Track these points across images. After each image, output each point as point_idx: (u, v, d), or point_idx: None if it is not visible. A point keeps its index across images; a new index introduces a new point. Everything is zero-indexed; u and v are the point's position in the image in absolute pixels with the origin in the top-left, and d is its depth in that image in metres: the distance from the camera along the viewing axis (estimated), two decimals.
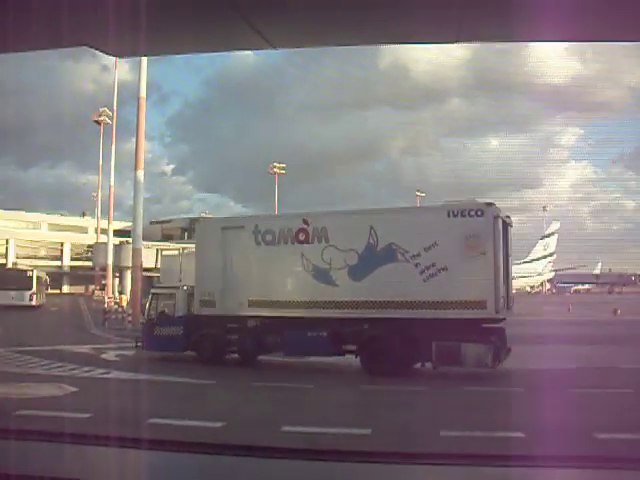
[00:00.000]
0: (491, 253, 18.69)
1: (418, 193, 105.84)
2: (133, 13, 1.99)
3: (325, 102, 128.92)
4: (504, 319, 19.53)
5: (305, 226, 20.68)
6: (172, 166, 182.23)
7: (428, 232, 19.40)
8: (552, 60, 71.61)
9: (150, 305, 23.62)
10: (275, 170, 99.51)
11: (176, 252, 33.47)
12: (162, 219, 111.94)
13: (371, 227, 19.91)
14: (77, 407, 13.13)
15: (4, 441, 2.46)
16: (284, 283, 21.21)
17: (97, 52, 2.36)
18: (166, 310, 22.95)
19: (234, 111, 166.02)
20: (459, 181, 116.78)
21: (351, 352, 19.78)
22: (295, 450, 2.33)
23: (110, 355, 22.46)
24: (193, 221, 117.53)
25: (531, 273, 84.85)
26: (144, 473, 2.12)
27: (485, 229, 18.81)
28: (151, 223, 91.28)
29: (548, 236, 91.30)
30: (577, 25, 1.94)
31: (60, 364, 20.77)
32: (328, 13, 1.77)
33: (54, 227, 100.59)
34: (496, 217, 18.96)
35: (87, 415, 11.74)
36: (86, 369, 19.91)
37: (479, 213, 18.93)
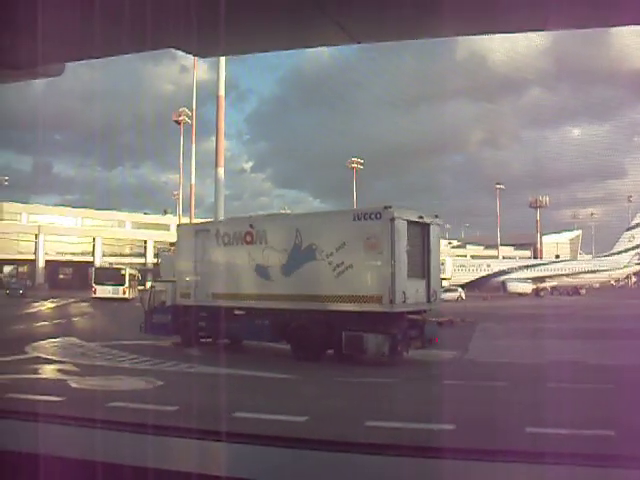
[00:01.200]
0: (388, 251, 20.57)
1: (498, 185, 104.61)
2: (215, 13, 2.03)
3: (402, 95, 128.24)
4: (412, 312, 21.29)
5: (251, 229, 24.08)
6: (251, 163, 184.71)
7: (338, 234, 21.94)
8: (637, 44, 69.14)
9: (150, 296, 27.56)
10: (353, 165, 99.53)
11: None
12: (242, 216, 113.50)
13: (297, 230, 22.84)
14: (164, 400, 13.48)
15: (97, 431, 2.54)
16: (237, 278, 24.23)
17: (177, 54, 2.41)
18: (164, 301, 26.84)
19: (311, 107, 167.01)
20: (540, 172, 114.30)
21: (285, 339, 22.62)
22: (377, 445, 2.32)
23: (193, 350, 22.88)
24: (272, 217, 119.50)
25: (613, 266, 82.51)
26: (228, 465, 2.15)
27: (382, 230, 20.77)
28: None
29: (634, 227, 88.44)
30: None
31: (146, 358, 21.35)
32: (413, 5, 1.77)
33: (137, 225, 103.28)
34: (393, 219, 20.70)
35: (174, 408, 12.02)
36: (171, 363, 20.39)
37: (377, 216, 21.13)
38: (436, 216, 23.06)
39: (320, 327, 21.53)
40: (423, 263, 22.04)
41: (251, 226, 24.23)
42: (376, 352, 20.53)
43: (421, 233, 22.05)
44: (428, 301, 21.98)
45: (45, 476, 2.02)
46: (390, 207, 21.30)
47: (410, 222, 21.49)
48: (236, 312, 24.19)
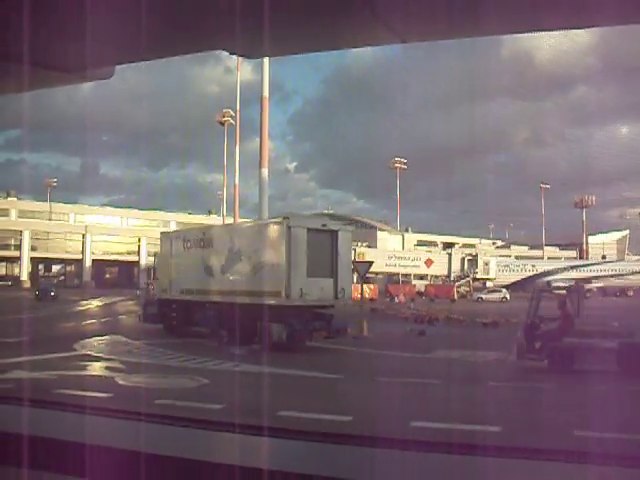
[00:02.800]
0: (286, 254, 24.50)
1: (543, 185, 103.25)
2: (260, 13, 2.05)
3: (446, 95, 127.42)
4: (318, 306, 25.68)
5: (204, 236, 29.85)
6: (295, 163, 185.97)
7: (255, 240, 26.84)
8: None
9: (146, 292, 34.33)
10: (396, 165, 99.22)
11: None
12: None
13: (231, 236, 28.46)
14: (209, 398, 13.61)
15: (141, 424, 2.59)
16: (195, 277, 29.03)
17: (222, 55, 2.45)
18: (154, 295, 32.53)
19: (354, 107, 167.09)
20: (586, 171, 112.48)
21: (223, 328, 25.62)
22: (418, 442, 2.32)
23: (239, 349, 23.07)
24: (316, 217, 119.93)
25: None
26: (270, 459, 2.18)
27: (282, 236, 24.89)
28: None
29: None
30: None
31: (192, 356, 21.57)
32: (462, 3, 1.76)
33: (182, 225, 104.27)
34: (290, 227, 24.72)
35: (219, 406, 12.14)
36: (216, 362, 20.58)
37: (279, 225, 25.47)
38: (349, 223, 29.60)
39: (244, 318, 24.11)
40: (331, 264, 25.70)
41: (204, 233, 30.33)
42: (278, 339, 23.79)
43: (329, 239, 25.92)
44: (335, 297, 25.72)
45: (91, 464, 2.08)
46: (288, 218, 26.01)
47: (311, 229, 25.59)
48: (195, 305, 28.91)
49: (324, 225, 26.62)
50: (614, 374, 17.17)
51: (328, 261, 25.63)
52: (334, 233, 26.11)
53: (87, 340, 25.74)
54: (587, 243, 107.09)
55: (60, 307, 46.30)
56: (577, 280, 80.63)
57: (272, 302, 24.57)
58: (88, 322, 36.57)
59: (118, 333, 29.18)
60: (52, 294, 58.07)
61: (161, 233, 36.01)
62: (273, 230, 25.96)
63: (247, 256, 26.46)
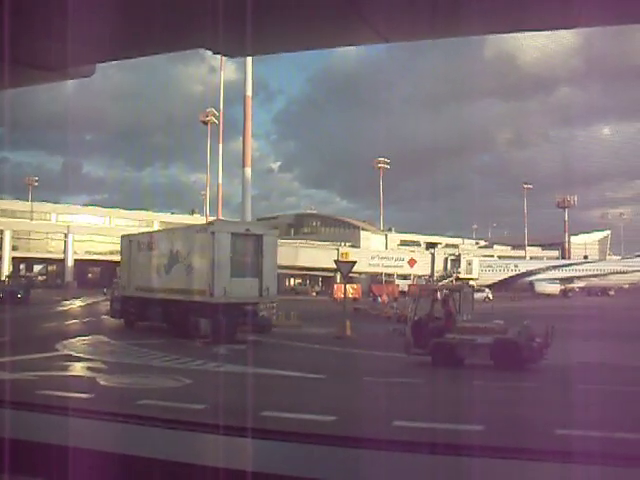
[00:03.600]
0: (209, 257, 27.35)
1: (525, 185, 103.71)
2: (243, 12, 2.04)
3: (430, 95, 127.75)
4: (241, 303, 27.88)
5: (151, 239, 33.31)
6: (279, 163, 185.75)
7: (188, 243, 29.82)
8: None
9: (113, 289, 37.12)
10: (380, 165, 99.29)
11: None
12: (269, 215, 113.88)
13: (171, 240, 31.59)
14: (191, 398, 13.56)
15: (127, 425, 2.58)
16: (145, 276, 32.16)
17: (206, 54, 2.44)
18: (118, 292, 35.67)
19: (339, 107, 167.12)
20: (568, 172, 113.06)
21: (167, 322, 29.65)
22: (404, 443, 2.32)
23: (221, 349, 23.03)
24: (299, 217, 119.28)
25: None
26: (252, 460, 2.17)
27: (207, 241, 27.62)
28: (258, 220, 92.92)
29: None
30: None
31: (175, 356, 21.50)
32: (444, 3, 1.76)
33: (165, 225, 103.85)
34: (213, 232, 27.60)
35: (201, 406, 12.09)
36: (199, 362, 20.52)
37: (204, 230, 28.86)
38: (275, 228, 33.97)
39: (180, 314, 28.02)
40: (257, 266, 28.30)
41: (151, 237, 34.01)
42: (204, 333, 26.26)
43: (253, 242, 28.59)
44: (260, 295, 28.39)
45: (73, 467, 2.06)
46: (212, 223, 30.89)
47: (235, 234, 28.15)
48: (146, 301, 31.68)
49: (248, 230, 29.55)
50: (486, 368, 18.88)
51: (253, 262, 28.37)
52: (259, 237, 28.92)
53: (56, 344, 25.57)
54: (569, 243, 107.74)
55: (26, 310, 42.73)
56: (561, 280, 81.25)
57: (199, 299, 27.72)
58: (52, 325, 36.32)
59: (96, 333, 29.04)
60: (19, 296, 50.93)
61: (121, 236, 38.71)
62: (200, 235, 28.93)
63: (182, 258, 29.58)
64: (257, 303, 29.04)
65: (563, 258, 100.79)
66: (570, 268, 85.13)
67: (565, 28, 2.01)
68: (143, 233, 39.80)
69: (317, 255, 72.98)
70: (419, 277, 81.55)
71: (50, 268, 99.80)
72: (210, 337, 25.40)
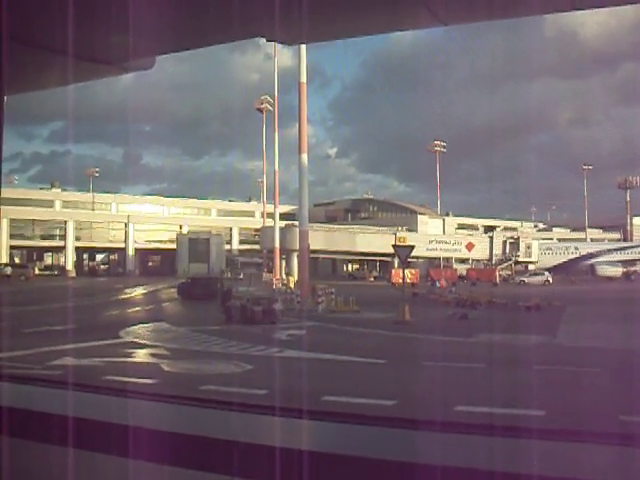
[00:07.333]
0: (177, 251, 50.45)
1: (585, 166, 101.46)
2: (300, 0, 2.04)
3: (486, 76, 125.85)
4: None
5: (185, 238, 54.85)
6: (335, 149, 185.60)
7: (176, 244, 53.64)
8: None
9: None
10: (436, 148, 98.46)
11: None
12: (326, 201, 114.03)
13: (186, 240, 51.83)
14: (253, 384, 13.72)
15: (189, 408, 2.63)
16: (185, 265, 48.77)
17: (261, 43, 2.45)
18: None
19: (394, 90, 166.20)
20: (630, 152, 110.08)
21: None
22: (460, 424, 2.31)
23: (282, 335, 23.20)
24: (356, 202, 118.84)
25: None
26: (311, 440, 2.19)
27: (178, 242, 51.78)
28: (315, 206, 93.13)
29: None
30: None
31: (235, 342, 21.74)
32: None
33: (223, 213, 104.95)
34: (177, 237, 55.18)
35: (263, 392, 12.22)
36: (260, 347, 20.71)
37: (179, 238, 53.90)
38: (218, 234, 55.05)
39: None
40: (207, 256, 47.08)
41: (188, 239, 51.65)
42: (177, 296, 44.96)
43: (204, 242, 48.53)
44: (207, 273, 46.03)
45: (133, 445, 2.12)
46: (185, 234, 56.26)
47: (191, 238, 50.54)
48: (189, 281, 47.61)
49: (198, 235, 53.03)
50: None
51: (205, 254, 47.16)
52: (207, 239, 49.17)
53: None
54: (631, 225, 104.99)
55: (90, 300, 47.00)
56: (623, 262, 79.23)
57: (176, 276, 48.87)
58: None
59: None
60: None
61: (176, 234, 58.83)
62: (176, 239, 54.33)
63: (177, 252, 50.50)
64: (208, 277, 45.55)
65: (625, 240, 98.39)
66: (632, 250, 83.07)
67: (627, 3, 1.96)
68: (182, 234, 60.05)
69: (374, 240, 72.86)
70: (477, 261, 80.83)
71: (112, 257, 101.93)
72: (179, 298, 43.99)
